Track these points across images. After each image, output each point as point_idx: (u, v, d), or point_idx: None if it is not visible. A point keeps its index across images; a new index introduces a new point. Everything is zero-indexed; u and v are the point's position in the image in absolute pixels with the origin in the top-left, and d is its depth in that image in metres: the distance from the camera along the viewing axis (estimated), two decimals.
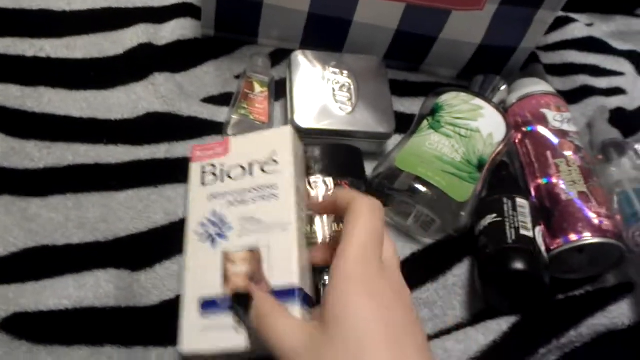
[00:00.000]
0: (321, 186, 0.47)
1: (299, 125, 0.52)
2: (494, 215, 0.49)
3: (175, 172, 0.49)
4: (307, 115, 0.52)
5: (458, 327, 0.47)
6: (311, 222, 0.44)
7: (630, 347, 0.48)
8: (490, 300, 0.48)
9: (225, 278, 0.37)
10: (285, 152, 0.41)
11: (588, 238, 0.48)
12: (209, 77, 0.58)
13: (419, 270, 0.49)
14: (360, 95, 0.55)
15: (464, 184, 0.49)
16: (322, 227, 0.45)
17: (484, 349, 0.45)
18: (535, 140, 0.55)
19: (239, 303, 0.36)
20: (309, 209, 0.41)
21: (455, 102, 0.53)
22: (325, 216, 0.45)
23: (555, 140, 0.54)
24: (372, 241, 0.33)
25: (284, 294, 0.35)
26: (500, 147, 0.52)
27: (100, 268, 0.44)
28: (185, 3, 0.61)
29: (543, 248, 0.47)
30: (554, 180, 0.51)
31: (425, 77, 0.63)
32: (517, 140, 0.57)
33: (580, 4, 0.74)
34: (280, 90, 0.56)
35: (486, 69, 0.60)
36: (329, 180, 0.47)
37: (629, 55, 0.72)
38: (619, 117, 0.63)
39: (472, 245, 0.50)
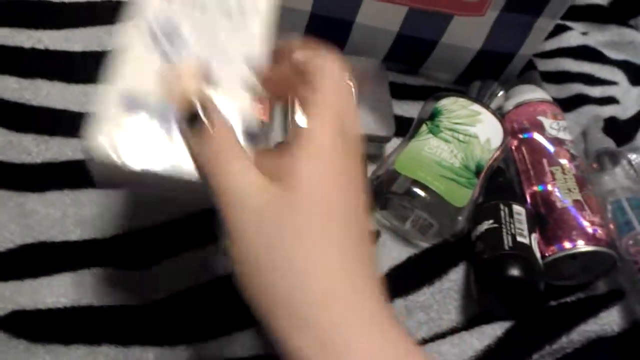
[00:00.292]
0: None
1: (300, 126, 0.51)
2: (491, 221, 0.49)
3: None
4: None
5: (453, 331, 0.48)
6: None
7: (618, 353, 0.49)
8: (486, 305, 0.49)
9: (170, 91, 0.30)
10: None
11: (582, 246, 0.48)
12: None
13: (415, 274, 0.50)
14: (360, 98, 0.55)
15: (462, 189, 0.49)
16: None
17: (479, 354, 0.45)
18: (531, 147, 0.56)
19: (188, 121, 0.29)
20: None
21: (454, 107, 0.53)
22: None
23: (551, 148, 0.55)
24: (348, 110, 0.31)
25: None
26: (497, 153, 0.52)
27: (98, 266, 0.43)
28: None
29: (538, 255, 0.48)
30: (550, 187, 0.52)
31: (423, 81, 0.63)
32: (513, 147, 0.57)
33: (576, 12, 0.74)
34: None
35: (484, 74, 0.60)
36: None
37: (623, 65, 0.73)
38: (611, 126, 0.64)
39: (468, 250, 0.50)
